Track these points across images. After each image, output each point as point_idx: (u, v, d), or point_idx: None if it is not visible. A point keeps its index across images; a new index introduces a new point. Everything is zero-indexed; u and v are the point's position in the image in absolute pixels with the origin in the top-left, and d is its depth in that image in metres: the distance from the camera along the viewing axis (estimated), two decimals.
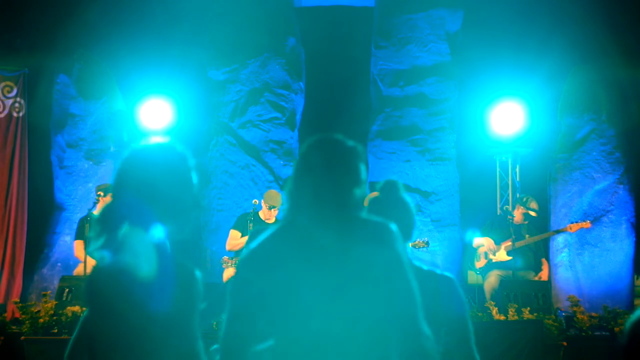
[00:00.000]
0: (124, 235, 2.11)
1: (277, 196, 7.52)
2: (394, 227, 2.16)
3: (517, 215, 7.66)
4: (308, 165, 2.19)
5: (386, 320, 2.08)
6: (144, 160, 2.17)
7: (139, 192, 2.12)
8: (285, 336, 2.09)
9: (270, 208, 7.47)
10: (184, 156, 2.20)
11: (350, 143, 2.24)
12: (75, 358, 3.09)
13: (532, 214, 7.63)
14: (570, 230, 7.78)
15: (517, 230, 7.51)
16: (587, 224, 7.77)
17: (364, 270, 2.08)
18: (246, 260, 2.17)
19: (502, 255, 7.50)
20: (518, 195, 8.38)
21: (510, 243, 7.49)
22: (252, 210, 7.51)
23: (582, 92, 8.73)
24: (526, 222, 7.70)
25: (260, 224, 7.23)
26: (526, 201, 7.71)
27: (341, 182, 2.16)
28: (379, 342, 2.08)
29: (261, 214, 7.55)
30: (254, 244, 2.18)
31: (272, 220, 7.48)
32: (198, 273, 2.14)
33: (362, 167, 2.23)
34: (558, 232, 8.07)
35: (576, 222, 7.87)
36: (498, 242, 7.58)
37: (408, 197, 2.88)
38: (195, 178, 2.20)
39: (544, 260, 7.72)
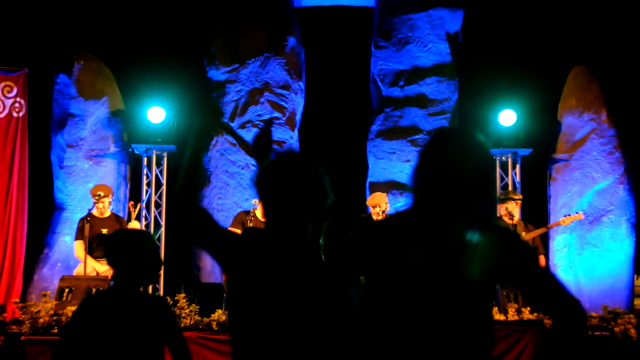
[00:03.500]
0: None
1: None
2: None
3: (515, 211, 7.64)
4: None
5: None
6: (285, 168, 2.22)
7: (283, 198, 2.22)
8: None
9: None
10: (316, 167, 2.24)
11: (480, 138, 2.16)
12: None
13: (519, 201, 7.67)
14: (564, 223, 7.79)
15: (514, 229, 7.50)
16: (580, 216, 7.76)
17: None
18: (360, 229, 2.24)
19: None
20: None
21: None
22: (252, 210, 7.50)
23: (582, 92, 8.73)
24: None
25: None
26: (512, 194, 7.80)
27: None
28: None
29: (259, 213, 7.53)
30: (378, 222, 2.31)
31: None
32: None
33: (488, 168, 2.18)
34: (552, 226, 8.07)
35: (569, 215, 7.84)
36: None
37: None
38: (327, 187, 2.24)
39: (541, 257, 7.71)
